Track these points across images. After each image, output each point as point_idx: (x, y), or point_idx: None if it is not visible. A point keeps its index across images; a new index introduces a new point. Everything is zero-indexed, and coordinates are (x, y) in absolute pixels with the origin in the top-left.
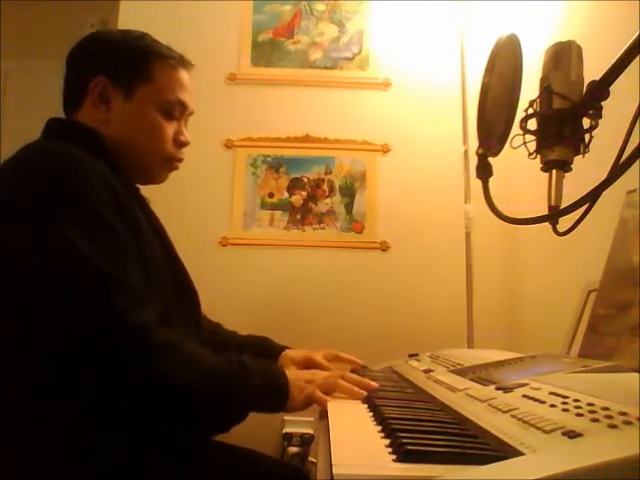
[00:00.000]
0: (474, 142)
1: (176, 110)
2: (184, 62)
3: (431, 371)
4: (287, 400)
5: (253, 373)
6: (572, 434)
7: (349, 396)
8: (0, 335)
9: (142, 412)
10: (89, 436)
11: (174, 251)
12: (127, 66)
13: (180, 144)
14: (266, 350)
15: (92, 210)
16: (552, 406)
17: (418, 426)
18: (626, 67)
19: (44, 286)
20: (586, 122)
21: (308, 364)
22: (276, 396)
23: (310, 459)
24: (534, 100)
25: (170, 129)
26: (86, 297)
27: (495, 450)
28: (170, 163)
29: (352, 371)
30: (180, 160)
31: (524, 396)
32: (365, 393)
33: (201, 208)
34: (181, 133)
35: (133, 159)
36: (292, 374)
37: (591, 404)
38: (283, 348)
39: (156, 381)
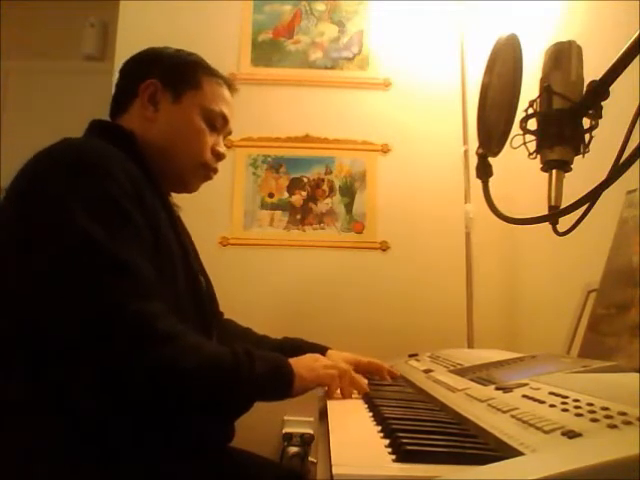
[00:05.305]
0: (474, 142)
1: (218, 122)
2: (230, 84)
3: (431, 371)
4: (293, 381)
5: (257, 359)
6: (572, 434)
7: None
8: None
9: (140, 397)
10: (85, 430)
11: (192, 263)
12: (178, 72)
13: (217, 155)
14: (308, 350)
15: (108, 197)
16: (552, 406)
17: (418, 426)
18: (626, 67)
19: (48, 265)
20: (586, 122)
21: (356, 366)
22: (282, 378)
23: (310, 459)
24: (534, 100)
25: (210, 138)
26: (89, 279)
27: (495, 450)
28: (205, 171)
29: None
30: (215, 171)
31: (524, 396)
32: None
33: (201, 208)
34: (219, 145)
35: (169, 162)
36: (294, 360)
37: (591, 404)
38: (325, 347)
39: (155, 367)
